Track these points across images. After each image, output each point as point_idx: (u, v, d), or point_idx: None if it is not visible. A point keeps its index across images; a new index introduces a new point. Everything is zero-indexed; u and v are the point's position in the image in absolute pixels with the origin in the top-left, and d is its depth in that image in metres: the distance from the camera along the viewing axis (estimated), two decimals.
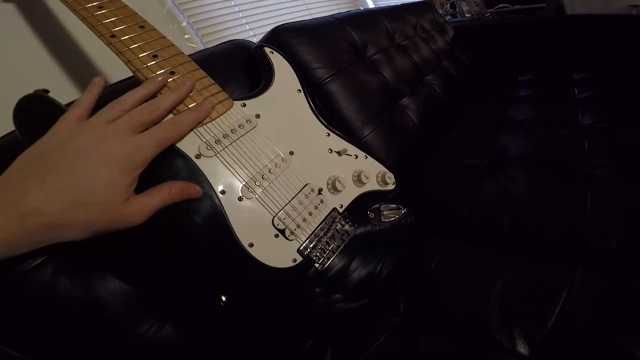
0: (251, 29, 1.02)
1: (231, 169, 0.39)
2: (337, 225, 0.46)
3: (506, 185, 0.68)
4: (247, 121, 0.43)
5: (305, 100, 0.51)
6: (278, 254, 0.40)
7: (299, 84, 0.52)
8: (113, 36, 0.40)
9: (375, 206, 0.51)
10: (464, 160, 0.78)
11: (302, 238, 0.42)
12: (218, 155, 0.39)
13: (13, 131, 0.42)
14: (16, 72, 0.60)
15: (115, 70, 0.69)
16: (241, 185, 0.39)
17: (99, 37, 0.40)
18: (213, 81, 0.44)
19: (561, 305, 0.46)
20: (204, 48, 0.89)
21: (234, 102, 0.44)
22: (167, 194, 0.33)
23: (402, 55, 1.01)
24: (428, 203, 0.70)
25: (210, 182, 0.37)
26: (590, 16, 1.40)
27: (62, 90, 0.64)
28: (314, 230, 0.44)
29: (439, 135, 0.92)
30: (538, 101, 1.04)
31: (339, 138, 0.52)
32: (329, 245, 0.44)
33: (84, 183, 0.29)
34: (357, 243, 0.47)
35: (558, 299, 0.46)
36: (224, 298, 0.37)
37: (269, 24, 1.07)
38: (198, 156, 0.38)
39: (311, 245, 0.43)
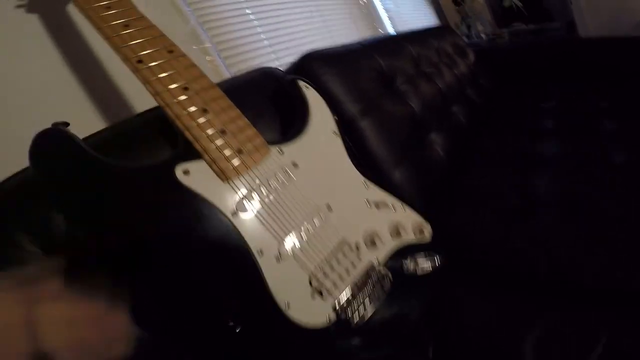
0: (274, 52, 1.01)
1: (268, 225, 0.37)
2: (373, 280, 0.43)
3: (538, 229, 0.65)
4: (284, 171, 0.41)
5: (342, 144, 0.49)
6: (313, 313, 0.38)
7: (335, 125, 0.50)
8: (140, 61, 0.37)
9: (411, 258, 0.48)
10: (492, 202, 0.75)
11: (337, 295, 0.40)
12: (254, 210, 0.37)
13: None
14: (34, 88, 0.55)
15: (139, 95, 0.66)
16: (278, 243, 0.37)
17: (124, 61, 0.37)
18: (248, 122, 0.42)
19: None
20: (225, 71, 0.88)
21: (270, 147, 0.42)
22: None
23: (428, 82, 0.99)
24: (459, 249, 0.66)
25: (248, 242, 0.35)
26: (613, 39, 1.39)
27: (83, 115, 0.61)
28: (350, 287, 0.41)
29: (466, 171, 0.89)
30: (564, 135, 1.00)
31: (376, 188, 0.49)
32: (364, 301, 0.42)
33: None
34: (392, 298, 0.44)
35: (595, 348, 0.44)
36: None
37: (291, 47, 1.06)
38: (234, 213, 0.35)
39: (346, 303, 0.40)
